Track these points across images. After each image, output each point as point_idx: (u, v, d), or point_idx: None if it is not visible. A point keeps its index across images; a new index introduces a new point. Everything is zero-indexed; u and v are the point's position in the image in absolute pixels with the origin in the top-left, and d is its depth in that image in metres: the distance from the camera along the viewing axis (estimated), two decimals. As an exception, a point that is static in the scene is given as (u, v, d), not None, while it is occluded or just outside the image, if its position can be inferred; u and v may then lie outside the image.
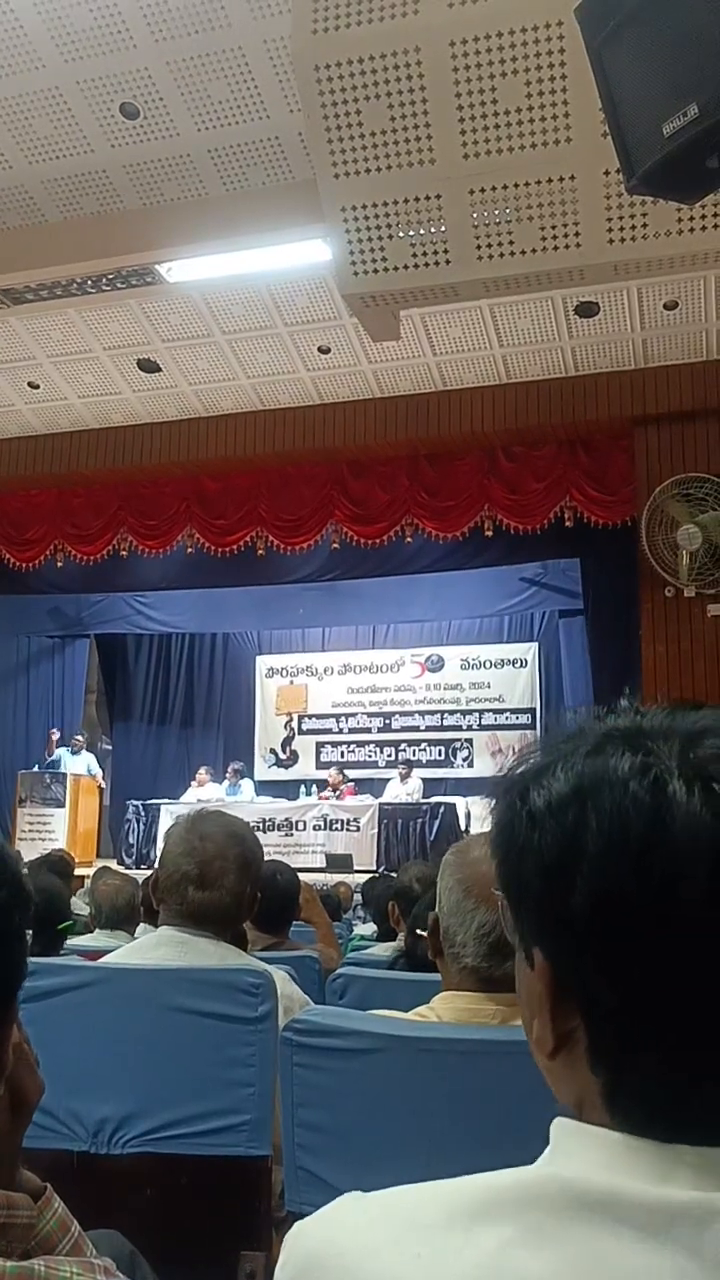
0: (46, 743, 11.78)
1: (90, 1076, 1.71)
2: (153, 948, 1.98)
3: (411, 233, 4.73)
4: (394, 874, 5.95)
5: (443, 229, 4.69)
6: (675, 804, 0.57)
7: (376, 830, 10.38)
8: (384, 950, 3.38)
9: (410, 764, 12.02)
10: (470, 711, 13.02)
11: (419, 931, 2.70)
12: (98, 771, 11.93)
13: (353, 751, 13.33)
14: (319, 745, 13.52)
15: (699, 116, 2.27)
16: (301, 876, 3.61)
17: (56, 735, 11.81)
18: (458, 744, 13.00)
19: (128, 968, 1.87)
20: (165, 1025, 1.75)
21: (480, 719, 12.97)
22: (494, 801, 0.66)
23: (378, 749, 13.26)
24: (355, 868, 9.70)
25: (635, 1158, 0.57)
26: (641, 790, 0.58)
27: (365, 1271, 0.59)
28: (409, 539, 8.87)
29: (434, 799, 10.98)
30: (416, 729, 13.18)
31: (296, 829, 10.69)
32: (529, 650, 12.89)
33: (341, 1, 4.33)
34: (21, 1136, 0.87)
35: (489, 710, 12.95)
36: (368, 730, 13.39)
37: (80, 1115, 1.73)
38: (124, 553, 9.46)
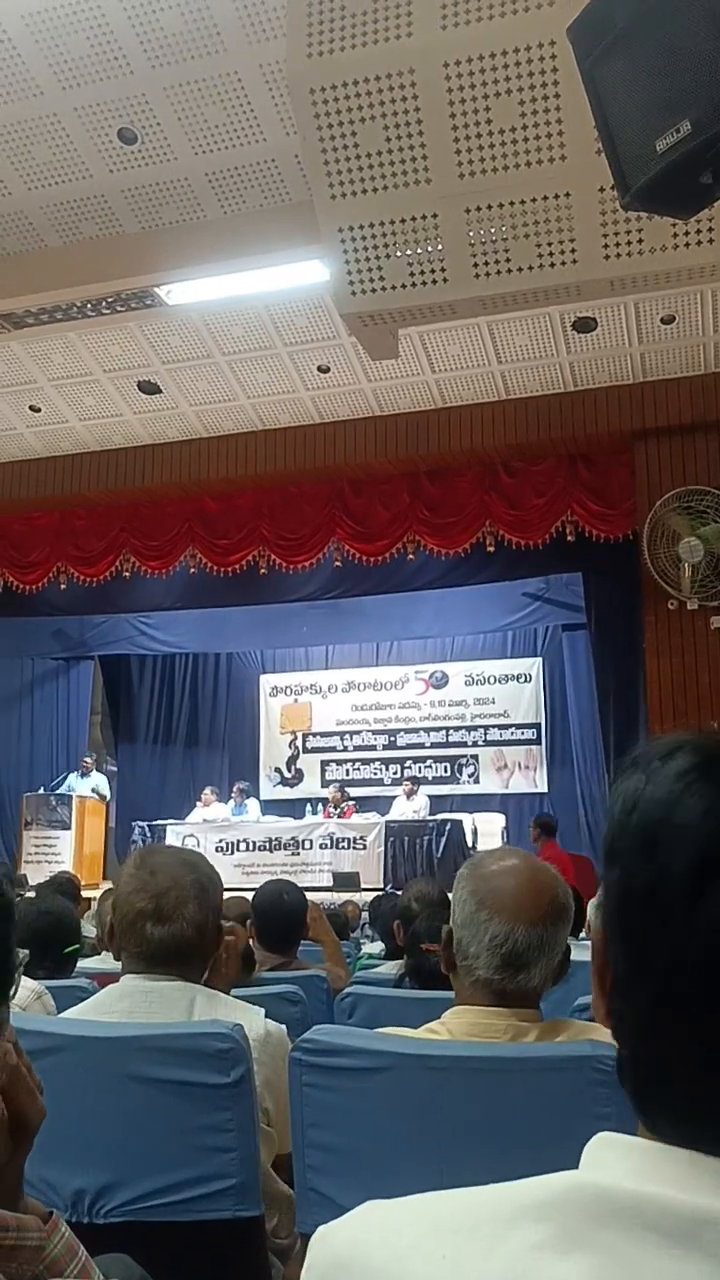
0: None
1: (61, 1146, 1.60)
2: (115, 1000, 1.84)
3: (408, 252, 4.76)
4: (400, 892, 5.93)
5: (439, 247, 4.71)
6: (674, 802, 0.62)
7: (383, 848, 10.36)
8: (391, 968, 3.37)
9: (416, 781, 11.99)
10: (475, 727, 13.00)
11: (423, 946, 2.70)
12: (107, 793, 11.93)
13: (358, 769, 13.31)
14: (324, 763, 13.50)
15: (692, 132, 2.28)
16: (309, 895, 3.60)
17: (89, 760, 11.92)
18: (463, 760, 12.98)
19: (89, 1036, 1.72)
20: (136, 1095, 1.65)
21: (485, 735, 12.96)
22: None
23: (383, 766, 13.24)
24: (363, 886, 9.67)
25: (663, 1165, 0.58)
26: (663, 788, 0.63)
27: (390, 1274, 0.59)
28: (411, 556, 8.88)
29: (440, 816, 10.96)
30: (421, 746, 13.16)
31: (303, 848, 10.66)
32: (533, 665, 12.88)
33: (336, 25, 4.38)
34: (23, 1161, 0.86)
35: (494, 726, 12.93)
36: (373, 748, 13.37)
37: (56, 1185, 1.63)
38: (126, 574, 9.47)
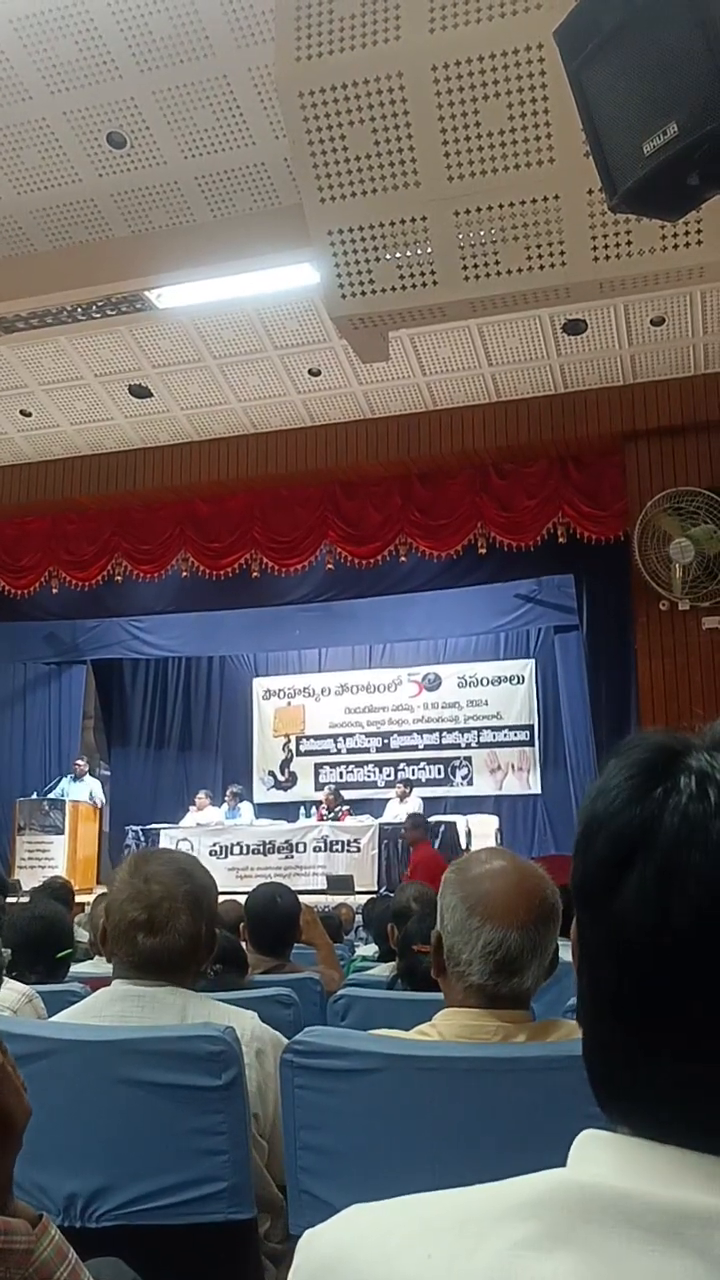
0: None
1: (53, 1150, 1.60)
2: (107, 1004, 1.84)
3: (398, 255, 4.77)
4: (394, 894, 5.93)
5: (429, 250, 4.72)
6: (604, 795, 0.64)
7: (377, 851, 10.36)
8: (385, 971, 3.37)
9: (409, 783, 11.99)
10: (468, 729, 13.01)
11: (415, 948, 2.70)
12: (101, 797, 11.90)
13: (351, 772, 13.30)
14: (317, 766, 13.49)
15: (679, 134, 2.29)
16: (302, 898, 3.59)
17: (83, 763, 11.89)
18: (456, 762, 12.98)
19: (80, 1040, 1.71)
20: (127, 1098, 1.65)
21: (478, 736, 12.96)
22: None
23: (376, 769, 13.24)
24: (356, 889, 9.67)
25: (647, 1161, 0.58)
26: (604, 783, 0.65)
27: (377, 1276, 0.59)
28: (403, 558, 8.88)
29: (434, 818, 10.95)
30: (415, 748, 13.16)
31: (297, 851, 10.66)
32: (525, 667, 12.89)
33: (324, 28, 4.38)
34: (11, 1163, 0.85)
35: (487, 728, 12.94)
36: (366, 750, 13.37)
37: (48, 1189, 1.62)
38: (119, 578, 9.46)
